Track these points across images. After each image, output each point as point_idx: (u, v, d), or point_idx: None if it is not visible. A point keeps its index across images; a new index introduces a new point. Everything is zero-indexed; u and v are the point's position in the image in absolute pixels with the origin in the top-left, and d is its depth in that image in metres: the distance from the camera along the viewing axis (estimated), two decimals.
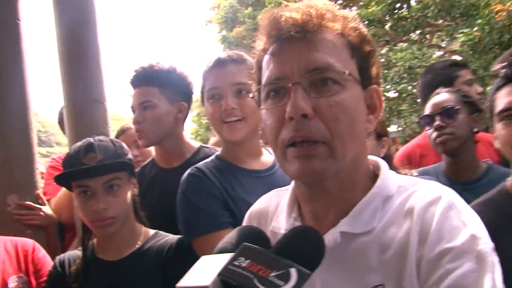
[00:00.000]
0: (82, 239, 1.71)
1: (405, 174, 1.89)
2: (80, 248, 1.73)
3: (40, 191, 2.44)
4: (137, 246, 1.67)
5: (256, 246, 0.70)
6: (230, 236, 0.78)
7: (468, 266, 0.76)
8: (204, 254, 1.63)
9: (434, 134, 2.05)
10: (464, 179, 2.03)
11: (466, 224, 0.80)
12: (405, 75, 8.11)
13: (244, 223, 1.09)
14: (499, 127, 1.43)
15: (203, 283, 0.67)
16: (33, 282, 1.76)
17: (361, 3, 10.86)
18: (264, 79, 0.89)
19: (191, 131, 21.01)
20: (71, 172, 1.61)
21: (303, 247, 0.72)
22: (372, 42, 0.93)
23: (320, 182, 0.87)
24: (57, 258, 1.75)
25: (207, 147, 2.22)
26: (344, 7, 12.46)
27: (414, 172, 2.01)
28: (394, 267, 0.82)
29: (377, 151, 1.83)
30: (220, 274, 0.67)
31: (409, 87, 8.19)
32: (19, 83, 2.44)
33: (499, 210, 1.42)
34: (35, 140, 2.51)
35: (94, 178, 1.58)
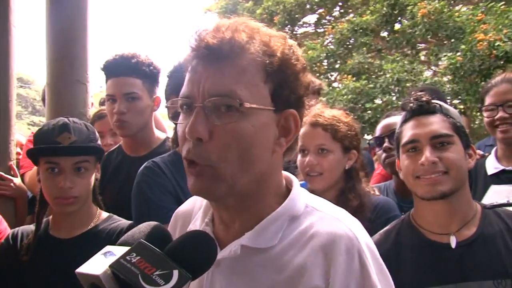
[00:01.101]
0: (37, 215, 1.76)
1: (368, 190, 1.96)
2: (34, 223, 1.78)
3: (13, 162, 2.50)
4: (90, 227, 1.74)
5: (149, 245, 0.75)
6: (135, 230, 0.83)
7: None
8: None
9: (383, 155, 2.16)
10: (411, 198, 2.15)
11: (366, 274, 0.86)
12: (392, 86, 8.27)
13: (172, 220, 1.12)
14: (403, 158, 1.50)
15: (96, 272, 0.73)
16: None
17: (358, 11, 10.95)
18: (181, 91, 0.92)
19: None
20: (45, 148, 1.68)
21: (193, 252, 0.77)
22: (300, 62, 0.93)
23: (217, 198, 0.91)
24: (11, 231, 1.81)
25: None
26: (341, 14, 12.58)
27: (376, 190, 2.10)
28: (288, 287, 0.86)
29: (342, 163, 1.88)
30: (111, 266, 0.73)
31: (394, 99, 8.34)
32: (3, 56, 2.48)
33: (396, 241, 1.51)
34: (13, 112, 2.57)
35: (65, 157, 1.65)
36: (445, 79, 8.24)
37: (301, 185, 1.72)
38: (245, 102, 0.85)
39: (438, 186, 1.40)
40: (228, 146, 0.85)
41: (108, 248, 0.80)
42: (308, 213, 0.93)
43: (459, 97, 7.12)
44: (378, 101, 9.07)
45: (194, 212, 1.07)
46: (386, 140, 2.14)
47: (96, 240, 1.69)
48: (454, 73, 7.00)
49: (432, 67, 10.48)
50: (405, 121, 1.53)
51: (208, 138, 0.85)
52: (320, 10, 12.16)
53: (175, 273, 0.72)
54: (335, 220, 0.92)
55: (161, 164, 1.78)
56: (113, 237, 1.69)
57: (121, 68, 2.13)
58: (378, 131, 2.22)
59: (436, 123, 1.46)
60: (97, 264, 0.76)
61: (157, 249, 0.76)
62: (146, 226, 0.84)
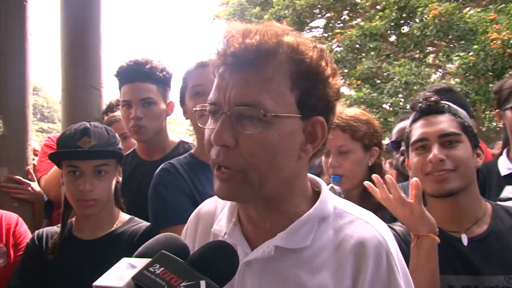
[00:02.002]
0: (63, 216, 1.81)
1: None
2: (59, 225, 1.83)
3: (30, 167, 2.54)
4: (112, 229, 1.77)
5: (172, 255, 0.74)
6: (152, 241, 0.82)
7: None
8: None
9: (401, 158, 2.18)
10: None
11: (392, 277, 0.89)
12: (400, 89, 8.25)
13: (192, 221, 1.12)
14: (412, 156, 1.53)
15: (117, 284, 0.71)
16: (11, 254, 1.86)
17: (367, 15, 10.95)
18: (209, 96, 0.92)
19: (190, 123, 20.78)
20: (66, 152, 1.73)
21: (217, 262, 0.76)
22: (330, 68, 0.91)
23: (244, 201, 0.93)
24: (36, 232, 1.85)
25: (187, 142, 2.33)
26: (350, 18, 12.58)
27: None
28: None
29: (365, 161, 1.89)
30: (134, 278, 0.71)
31: (401, 102, 8.33)
32: (21, 63, 2.53)
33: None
34: (30, 118, 2.62)
35: (86, 161, 1.69)
36: (452, 81, 8.21)
37: (334, 179, 1.70)
38: (270, 111, 0.84)
39: (445, 184, 1.42)
40: (255, 154, 0.85)
41: (125, 260, 0.78)
42: (337, 216, 0.95)
43: (468, 99, 7.09)
44: (385, 106, 9.06)
45: (216, 213, 1.07)
46: (403, 143, 2.15)
47: (119, 241, 1.73)
48: (466, 73, 6.97)
49: (440, 70, 10.44)
50: (414, 120, 1.56)
51: (234, 145, 0.86)
52: (329, 14, 12.17)
53: (202, 284, 0.70)
54: (364, 223, 0.94)
55: (177, 166, 1.81)
56: (134, 239, 1.73)
57: (136, 74, 2.15)
58: (394, 135, 2.23)
59: (445, 122, 1.48)
60: (117, 276, 0.74)
61: (181, 260, 0.74)
62: (163, 237, 0.82)
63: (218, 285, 0.72)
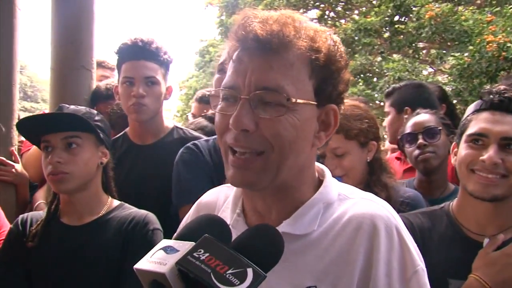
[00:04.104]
0: (50, 203, 1.74)
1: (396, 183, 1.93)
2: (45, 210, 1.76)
3: (15, 148, 2.45)
4: (100, 214, 1.70)
5: (216, 240, 0.71)
6: (194, 223, 0.79)
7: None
8: None
9: (416, 152, 2.11)
10: (433, 197, 2.12)
11: (405, 248, 0.91)
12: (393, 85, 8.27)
13: (192, 211, 1.11)
14: (462, 147, 1.45)
15: (160, 269, 0.68)
16: None
17: (363, 9, 10.93)
18: (224, 80, 0.92)
19: (178, 109, 20.91)
20: (30, 119, 1.67)
21: (263, 247, 0.73)
22: (343, 59, 0.94)
23: (259, 189, 0.92)
24: (20, 216, 1.78)
25: (181, 128, 2.26)
26: (345, 10, 12.55)
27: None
28: (330, 271, 0.88)
29: (363, 158, 1.84)
30: (178, 263, 0.68)
31: None
32: (8, 40, 2.43)
33: (431, 225, 1.49)
34: (16, 97, 2.52)
35: (55, 134, 1.61)
36: (444, 78, 8.24)
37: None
38: (292, 97, 0.86)
39: (491, 188, 1.36)
40: (274, 137, 0.86)
41: (166, 242, 0.74)
42: (341, 201, 0.97)
43: (460, 97, 7.14)
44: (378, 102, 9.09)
45: (218, 204, 1.07)
46: (420, 137, 2.11)
47: (106, 227, 1.67)
48: (460, 74, 7.01)
49: (430, 68, 10.48)
50: (478, 110, 1.45)
51: (254, 129, 0.86)
52: (322, 5, 12.12)
53: (249, 271, 0.67)
54: (368, 201, 0.96)
55: (201, 147, 1.80)
56: (124, 225, 1.66)
57: (141, 52, 2.08)
58: (409, 127, 2.17)
59: (511, 124, 1.38)
60: (159, 260, 0.70)
61: (225, 245, 0.71)
62: (205, 218, 0.79)
63: (264, 272, 0.68)
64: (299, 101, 0.87)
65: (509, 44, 6.36)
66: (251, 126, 0.85)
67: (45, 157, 1.63)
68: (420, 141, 2.10)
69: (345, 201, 0.96)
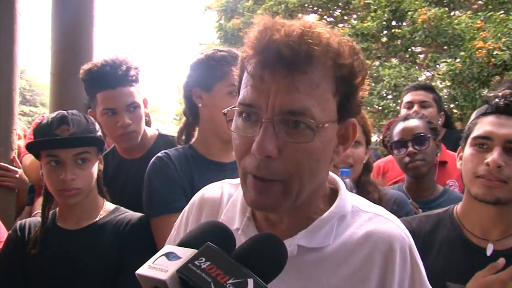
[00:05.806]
0: (44, 207, 1.75)
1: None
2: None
3: (15, 152, 2.46)
4: (97, 218, 1.73)
5: (218, 249, 0.70)
6: (197, 229, 0.78)
7: None
8: (157, 234, 1.68)
9: (407, 159, 2.14)
10: (422, 199, 2.17)
11: (417, 269, 0.93)
12: (389, 91, 8.29)
13: (196, 204, 1.08)
14: (468, 150, 1.45)
15: (160, 276, 0.68)
16: None
17: (360, 14, 10.97)
18: (240, 95, 0.86)
19: (176, 112, 20.92)
20: (44, 141, 1.66)
21: (265, 257, 0.72)
22: (364, 70, 0.88)
23: (277, 213, 0.91)
24: (18, 222, 1.80)
25: (166, 135, 2.23)
26: (343, 15, 12.60)
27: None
28: (342, 286, 0.88)
29: (365, 157, 1.93)
30: (178, 271, 0.67)
31: (392, 104, 8.37)
32: (9, 45, 2.45)
33: (434, 229, 1.50)
34: (16, 102, 2.54)
35: (66, 150, 1.64)
36: (440, 83, 8.27)
37: (342, 173, 1.72)
38: (318, 120, 0.81)
39: (495, 191, 1.36)
40: (299, 163, 0.82)
41: (169, 248, 0.73)
42: (355, 214, 0.95)
43: (456, 102, 7.16)
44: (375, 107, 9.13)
45: (222, 201, 1.04)
46: (410, 144, 2.14)
47: (104, 231, 1.69)
48: (453, 79, 7.02)
49: (427, 72, 10.54)
50: (484, 114, 1.45)
51: (277, 155, 0.81)
52: (320, 10, 12.16)
53: (250, 282, 0.66)
54: (385, 220, 0.95)
55: (172, 156, 1.77)
56: (120, 229, 1.69)
57: (114, 79, 1.98)
58: (397, 134, 2.19)
59: None
60: (160, 267, 0.70)
61: (227, 254, 0.70)
62: (208, 225, 0.78)
63: (265, 283, 0.68)
64: (326, 125, 0.82)
65: (497, 51, 6.37)
66: (275, 152, 0.80)
67: (52, 171, 1.64)
68: (410, 149, 2.13)
69: (359, 214, 0.95)
